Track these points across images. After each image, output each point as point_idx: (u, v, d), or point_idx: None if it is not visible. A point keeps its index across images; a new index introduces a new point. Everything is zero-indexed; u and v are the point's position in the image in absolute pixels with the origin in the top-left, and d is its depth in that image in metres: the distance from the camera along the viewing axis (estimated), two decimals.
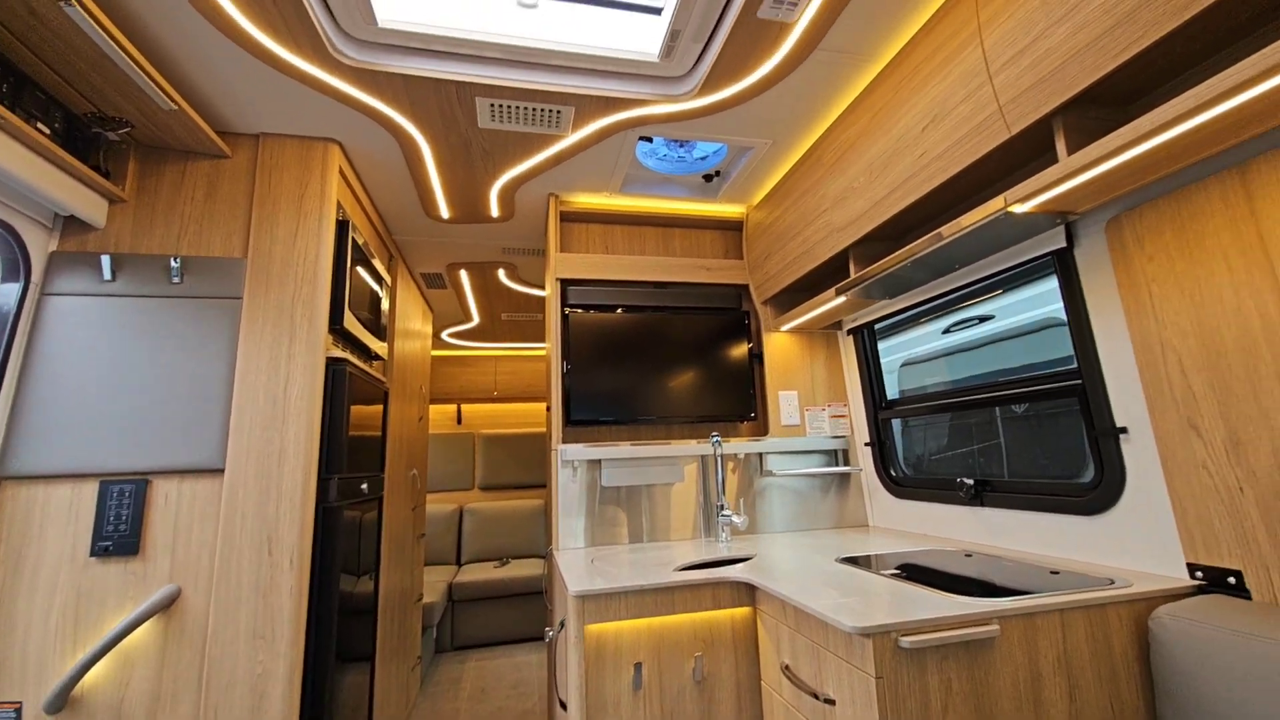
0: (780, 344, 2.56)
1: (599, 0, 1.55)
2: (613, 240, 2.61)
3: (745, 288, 2.62)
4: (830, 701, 1.24)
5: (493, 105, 1.79)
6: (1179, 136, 1.04)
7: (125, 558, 1.62)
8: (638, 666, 1.56)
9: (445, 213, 2.56)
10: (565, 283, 2.44)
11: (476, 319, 4.32)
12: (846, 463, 2.49)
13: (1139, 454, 1.41)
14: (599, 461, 2.27)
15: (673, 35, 1.57)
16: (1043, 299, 1.77)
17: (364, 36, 1.57)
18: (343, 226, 2.01)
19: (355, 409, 2.05)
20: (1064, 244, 1.54)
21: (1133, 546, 1.43)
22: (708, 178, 2.41)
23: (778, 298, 2.48)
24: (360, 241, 2.16)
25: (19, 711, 1.50)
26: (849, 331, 2.50)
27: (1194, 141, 1.07)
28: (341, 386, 1.93)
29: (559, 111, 1.83)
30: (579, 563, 1.89)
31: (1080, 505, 1.55)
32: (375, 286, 2.38)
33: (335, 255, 1.97)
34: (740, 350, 2.52)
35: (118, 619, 1.59)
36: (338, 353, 1.97)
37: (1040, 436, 1.78)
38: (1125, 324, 1.41)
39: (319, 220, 1.91)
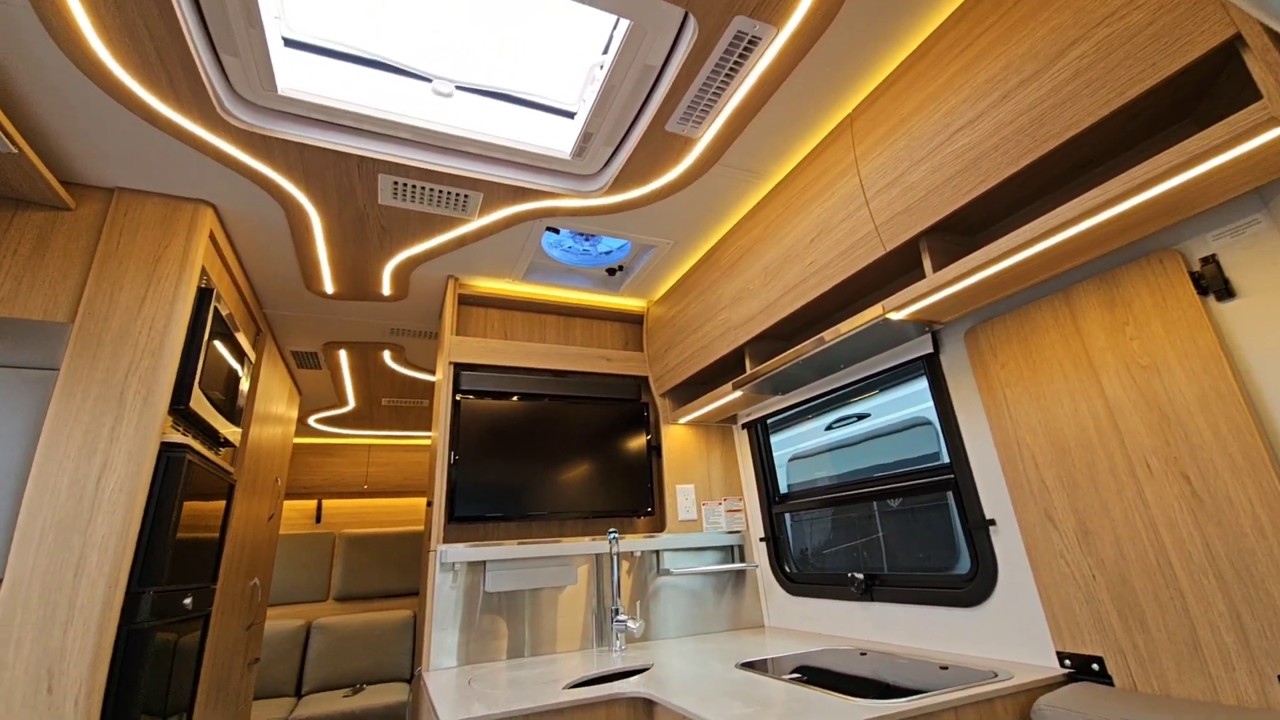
0: (678, 436, 2.58)
1: (515, 99, 1.61)
2: (512, 326, 2.57)
3: (645, 379, 2.65)
4: None
5: (396, 183, 1.75)
6: (1015, 264, 1.24)
7: None
8: None
9: (330, 288, 2.40)
10: (459, 367, 2.33)
11: (352, 403, 3.98)
12: (742, 558, 2.48)
13: (1008, 545, 1.52)
14: (483, 563, 2.08)
15: (585, 137, 1.65)
16: (911, 399, 1.95)
17: (260, 101, 1.49)
18: (205, 295, 1.81)
19: (190, 505, 1.74)
20: (931, 349, 1.72)
21: (1010, 636, 1.50)
22: (611, 271, 2.48)
23: (676, 390, 2.53)
24: (224, 313, 1.95)
25: None
26: (743, 425, 2.58)
27: (1027, 268, 1.27)
28: (175, 477, 1.64)
29: (467, 196, 1.82)
30: (454, 685, 1.66)
31: (960, 597, 1.63)
32: (235, 364, 2.13)
33: (192, 326, 1.75)
34: (638, 442, 2.50)
35: None
36: (178, 437, 1.69)
37: (915, 530, 1.88)
38: (987, 423, 1.57)
39: (175, 286, 1.70)
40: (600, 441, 2.43)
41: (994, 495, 1.56)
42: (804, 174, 1.74)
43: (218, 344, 1.92)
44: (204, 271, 1.83)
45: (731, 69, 1.40)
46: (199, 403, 1.78)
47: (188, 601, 1.80)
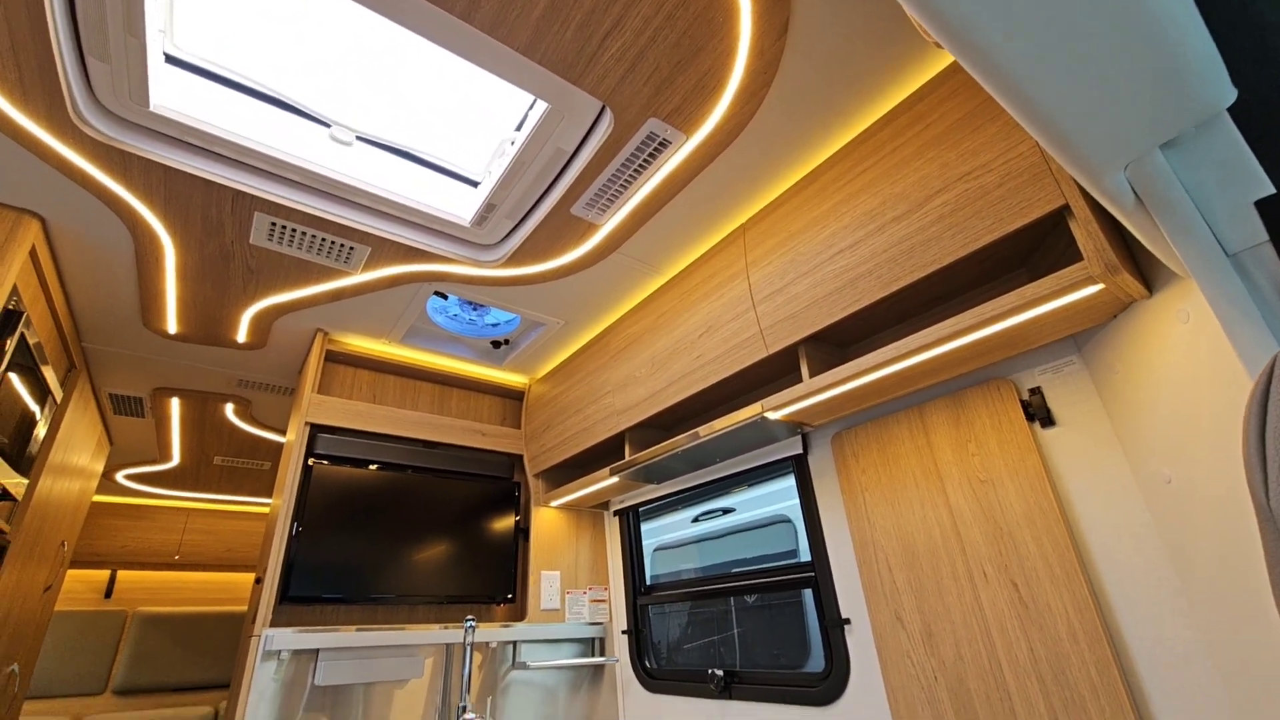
0: (548, 519, 2.48)
1: (418, 159, 1.58)
2: (383, 390, 2.40)
3: (519, 458, 2.55)
4: None
5: (274, 225, 1.63)
6: (879, 378, 1.37)
7: None
8: None
9: (173, 327, 2.12)
10: (316, 428, 2.12)
11: (177, 459, 3.45)
12: (603, 652, 2.37)
13: (861, 644, 1.58)
14: (316, 651, 1.81)
15: (488, 207, 1.65)
16: (775, 496, 2.04)
17: (125, 114, 1.35)
18: (10, 317, 1.53)
19: None
20: (800, 450, 1.83)
21: None
22: (496, 344, 2.43)
23: (550, 472, 2.46)
24: (32, 341, 1.65)
25: None
26: (615, 512, 2.54)
27: (890, 383, 1.41)
28: None
29: (353, 249, 1.73)
30: None
31: (813, 696, 1.65)
32: (32, 403, 1.79)
33: None
34: (506, 523, 2.37)
35: None
36: None
37: (771, 627, 1.92)
38: (847, 524, 1.66)
39: None
40: (465, 520, 2.28)
41: (850, 595, 1.63)
42: (697, 272, 1.84)
43: (14, 376, 1.61)
44: (15, 291, 1.56)
45: (640, 165, 1.48)
46: None
47: None
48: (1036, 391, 1.33)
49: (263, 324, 2.13)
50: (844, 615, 1.62)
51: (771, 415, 1.55)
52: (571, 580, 2.43)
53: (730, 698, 1.88)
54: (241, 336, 2.20)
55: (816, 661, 1.76)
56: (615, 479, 2.05)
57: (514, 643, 2.18)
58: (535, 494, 2.45)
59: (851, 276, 1.38)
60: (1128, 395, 1.16)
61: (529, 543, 2.40)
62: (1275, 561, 0.57)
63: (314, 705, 1.78)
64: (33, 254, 1.61)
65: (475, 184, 1.65)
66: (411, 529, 2.16)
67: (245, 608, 4.03)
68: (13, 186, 1.49)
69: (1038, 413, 1.32)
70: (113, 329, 2.14)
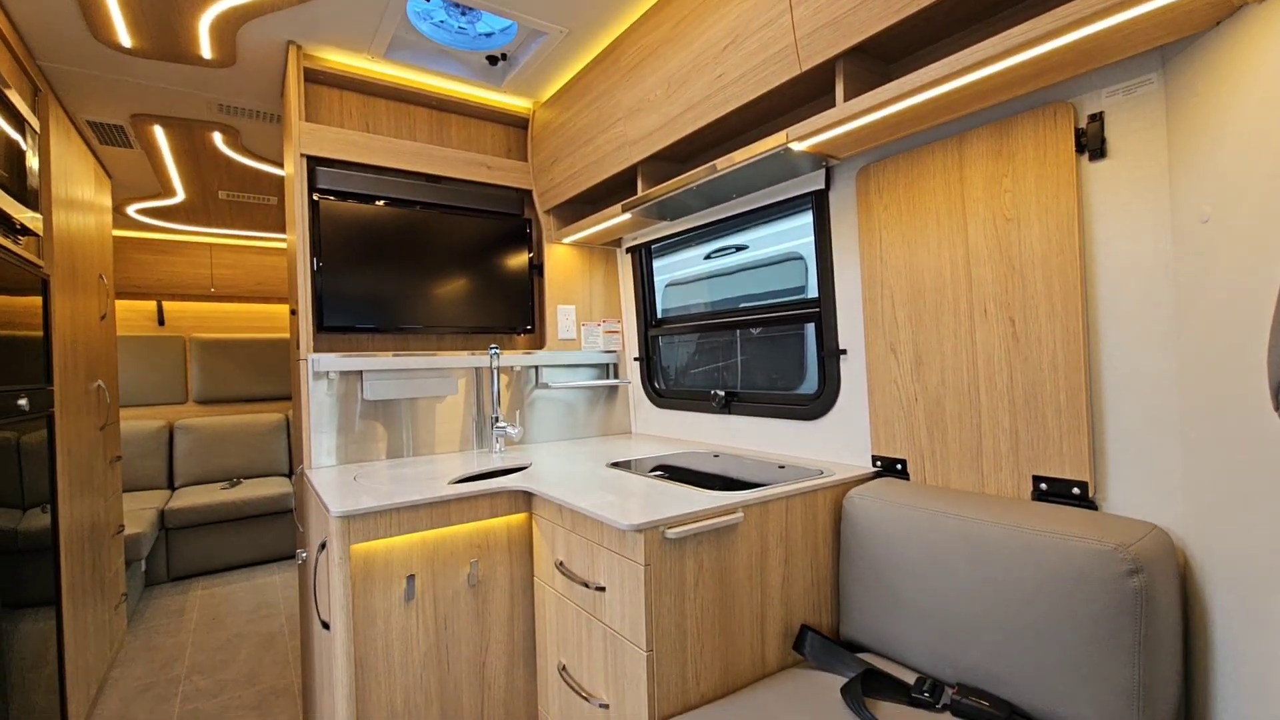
0: (561, 256, 2.52)
1: None
2: (376, 117, 2.23)
3: (528, 193, 2.48)
4: (601, 589, 1.34)
5: None
6: (923, 101, 1.21)
7: None
8: (410, 579, 1.50)
9: (126, 40, 1.88)
10: (313, 161, 2.03)
11: (181, 194, 3.41)
12: (616, 375, 2.63)
13: (853, 372, 1.72)
14: (359, 373, 2.03)
15: None
16: (785, 235, 2.02)
17: None
18: None
19: None
20: (822, 186, 1.74)
21: (839, 444, 1.77)
22: (493, 60, 2.16)
23: (561, 208, 2.41)
24: None
25: None
26: (628, 249, 2.56)
27: (933, 107, 1.26)
28: None
29: None
30: (338, 481, 1.70)
31: (804, 412, 1.87)
32: (10, 130, 1.69)
33: None
34: (520, 260, 2.42)
35: None
36: None
37: (772, 355, 2.08)
38: (859, 261, 1.67)
39: None
40: (480, 257, 2.32)
41: (850, 328, 1.72)
42: None
43: None
44: None
45: None
46: None
47: (23, 402, 1.66)
48: (1096, 118, 1.20)
49: (225, 33, 1.88)
50: (842, 346, 1.74)
51: (797, 146, 1.44)
52: (586, 313, 2.57)
53: (730, 413, 2.14)
54: (205, 51, 1.96)
55: (810, 385, 1.95)
56: (627, 216, 2.02)
57: (535, 367, 2.41)
58: (547, 231, 2.45)
59: None
60: (1199, 121, 1.04)
61: (544, 279, 2.48)
62: None
63: (367, 414, 2.05)
64: None
65: None
66: (430, 265, 2.22)
67: (288, 335, 4.44)
68: None
69: (1090, 143, 1.21)
70: (63, 43, 1.91)
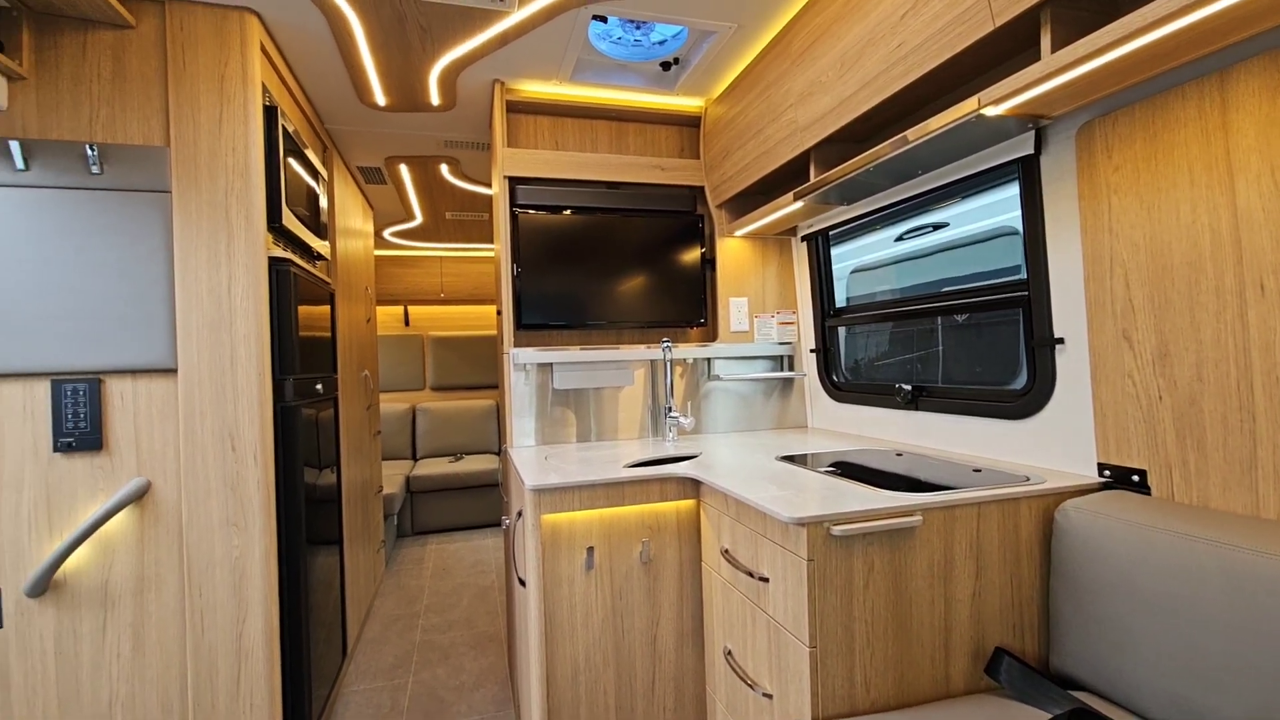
0: (733, 249, 2.55)
1: None
2: (563, 135, 2.47)
3: (700, 190, 2.56)
4: (765, 579, 1.36)
5: None
6: (1168, 36, 0.99)
7: (89, 453, 1.65)
8: (590, 550, 1.66)
9: (382, 100, 2.35)
10: (513, 181, 2.33)
11: (420, 218, 4.11)
12: (791, 368, 2.59)
13: (1071, 363, 1.48)
14: (550, 365, 2.28)
15: None
16: (995, 208, 1.79)
17: None
18: (270, 113, 1.83)
19: (303, 310, 1.98)
20: (1032, 150, 1.51)
21: (1051, 447, 1.54)
22: (665, 66, 2.27)
23: (733, 201, 2.44)
24: (290, 129, 1.98)
25: None
26: (803, 238, 2.51)
27: (1182, 42, 1.02)
28: (287, 288, 1.84)
29: None
30: (533, 459, 1.95)
31: (1008, 410, 1.65)
32: (311, 181, 2.21)
33: (267, 146, 1.81)
34: (692, 255, 2.50)
35: (89, 510, 1.63)
36: (279, 252, 1.86)
37: (977, 345, 1.85)
38: (1079, 235, 1.43)
39: (244, 105, 1.73)
40: (655, 254, 2.46)
41: (1068, 313, 1.48)
42: None
43: (293, 161, 1.99)
44: (265, 89, 1.83)
45: None
46: (290, 221, 1.93)
47: (319, 387, 2.17)
48: None
49: (448, 82, 2.24)
50: (1058, 335, 1.52)
51: (992, 111, 1.27)
52: (759, 305, 2.57)
53: (917, 409, 1.98)
54: (434, 99, 2.36)
55: (1023, 380, 1.71)
56: (800, 204, 1.97)
57: (708, 359, 2.48)
58: (719, 225, 2.50)
59: None
60: None
61: (715, 272, 2.54)
62: None
63: (558, 402, 2.30)
64: (263, 50, 1.82)
65: None
66: (610, 265, 2.41)
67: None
68: None
69: None
70: (341, 109, 2.44)
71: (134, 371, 1.68)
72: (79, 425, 1.62)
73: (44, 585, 1.59)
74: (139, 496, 1.65)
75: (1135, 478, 1.33)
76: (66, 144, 1.63)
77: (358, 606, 2.79)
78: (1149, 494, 1.30)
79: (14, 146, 1.57)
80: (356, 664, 2.64)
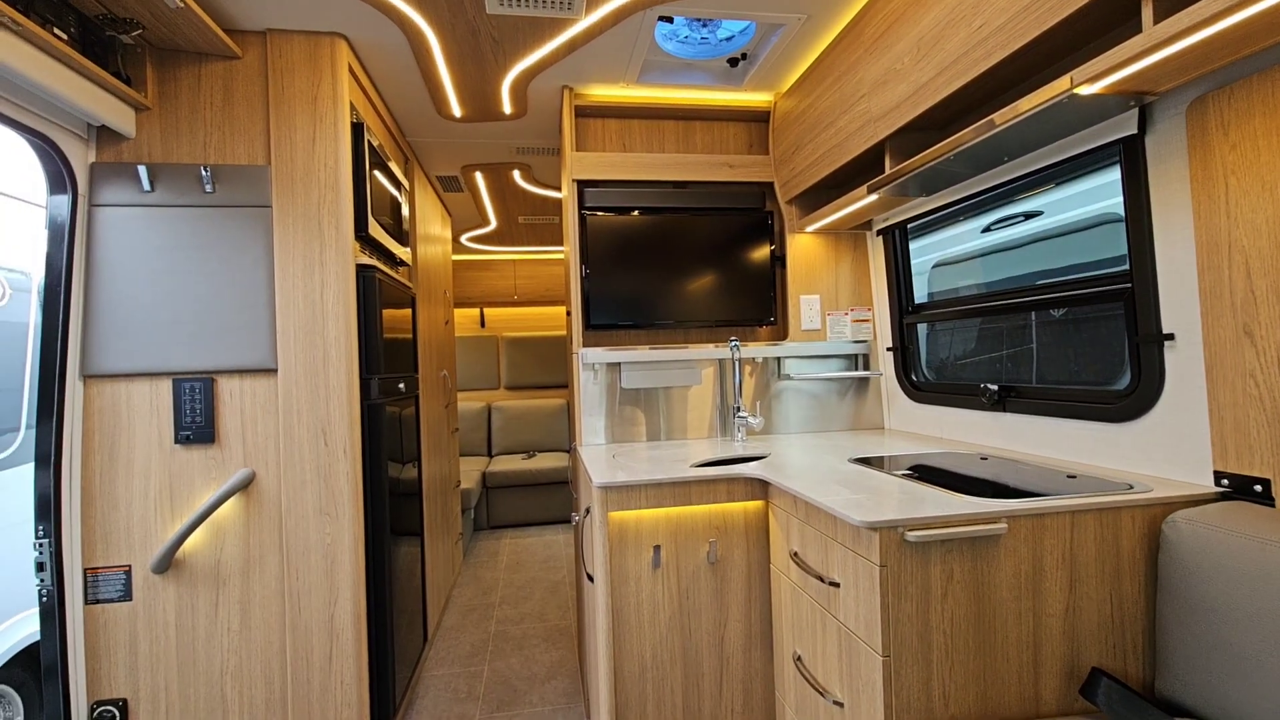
0: (804, 246, 2.49)
1: None
2: (630, 137, 2.50)
3: (769, 186, 2.51)
4: (835, 584, 1.33)
5: None
6: None
7: (204, 445, 1.82)
8: (656, 549, 1.67)
9: (457, 111, 2.46)
10: (582, 184, 2.37)
11: (494, 223, 4.26)
12: (866, 367, 2.50)
13: (1183, 362, 1.36)
14: (618, 365, 2.31)
15: None
16: (1094, 194, 1.65)
17: None
18: (357, 129, 1.96)
19: (387, 313, 2.11)
20: (1134, 130, 1.39)
21: (1157, 453, 1.41)
22: (733, 62, 2.24)
23: (803, 196, 2.39)
24: (375, 144, 2.11)
25: (129, 573, 1.77)
26: (879, 232, 2.41)
27: None
28: (373, 292, 1.97)
29: None
30: (601, 458, 1.98)
31: (1109, 412, 1.52)
32: (394, 191, 2.35)
33: (354, 160, 1.94)
34: (761, 252, 2.46)
35: (205, 496, 1.81)
36: (365, 259, 1.99)
37: (1076, 342, 1.71)
38: (1191, 221, 1.31)
39: (334, 123, 1.86)
40: (723, 253, 2.44)
41: (1179, 307, 1.35)
42: None
43: (378, 174, 2.12)
44: (352, 107, 1.96)
45: None
46: (375, 230, 2.05)
47: (401, 386, 2.31)
48: None
49: (519, 91, 2.32)
50: (1167, 330, 1.39)
51: (1085, 90, 1.18)
52: (832, 302, 2.50)
53: (1004, 410, 1.86)
54: (507, 108, 2.45)
55: (1126, 381, 1.58)
56: (874, 197, 1.90)
57: (778, 359, 2.43)
58: (789, 221, 2.44)
59: None
60: None
61: (785, 270, 2.49)
62: None
63: (626, 400, 2.33)
64: (350, 71, 1.95)
65: None
66: (678, 265, 2.41)
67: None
68: (318, 12, 1.77)
69: None
70: (420, 121, 2.57)
71: (241, 371, 1.84)
72: (195, 420, 1.80)
73: (167, 563, 1.77)
74: (246, 485, 1.81)
75: (1258, 488, 1.20)
76: (185, 166, 1.80)
77: (437, 595, 2.94)
78: (1273, 506, 1.18)
79: (141, 170, 1.76)
80: (436, 650, 2.77)
